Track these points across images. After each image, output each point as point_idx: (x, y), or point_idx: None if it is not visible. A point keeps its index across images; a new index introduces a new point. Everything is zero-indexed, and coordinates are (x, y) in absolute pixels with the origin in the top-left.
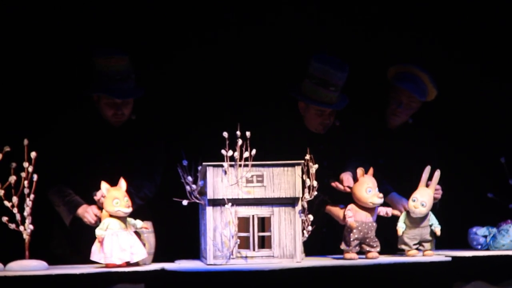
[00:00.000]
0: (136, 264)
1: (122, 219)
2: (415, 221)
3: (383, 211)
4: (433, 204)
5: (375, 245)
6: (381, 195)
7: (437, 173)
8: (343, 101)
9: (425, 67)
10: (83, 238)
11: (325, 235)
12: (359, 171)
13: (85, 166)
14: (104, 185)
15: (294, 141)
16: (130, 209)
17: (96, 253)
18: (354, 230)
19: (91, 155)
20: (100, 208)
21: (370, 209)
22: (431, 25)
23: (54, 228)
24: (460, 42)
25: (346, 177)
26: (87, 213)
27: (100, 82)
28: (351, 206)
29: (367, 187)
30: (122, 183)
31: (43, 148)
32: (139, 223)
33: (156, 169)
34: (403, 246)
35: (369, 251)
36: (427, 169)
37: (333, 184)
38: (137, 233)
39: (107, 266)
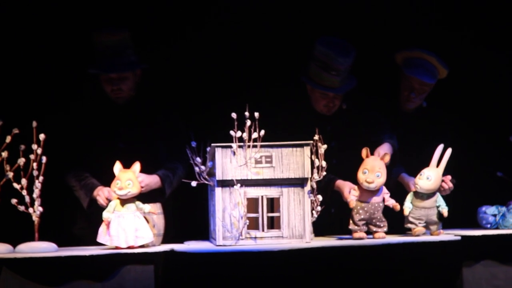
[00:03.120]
0: (145, 245)
1: (129, 201)
2: (422, 201)
3: (390, 202)
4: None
5: (382, 225)
6: (371, 180)
7: (448, 152)
8: (347, 85)
9: (434, 48)
10: (100, 219)
11: (333, 215)
12: (364, 151)
13: (98, 146)
14: (117, 165)
15: (302, 122)
16: (122, 192)
17: (102, 235)
18: (360, 211)
19: (102, 135)
20: None
21: (375, 190)
22: (439, 3)
23: (76, 211)
24: (471, 20)
25: (380, 151)
26: (99, 195)
27: (96, 58)
28: (358, 186)
29: (364, 169)
30: (136, 166)
31: (55, 132)
32: (146, 207)
33: (180, 148)
34: (409, 225)
35: (376, 231)
36: (439, 148)
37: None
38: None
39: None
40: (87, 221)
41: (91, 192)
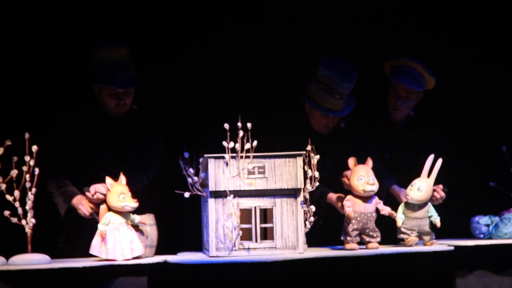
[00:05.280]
0: (138, 257)
1: (123, 213)
2: (414, 212)
3: (385, 210)
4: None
5: (375, 235)
6: (372, 182)
7: (439, 162)
8: (349, 106)
9: (423, 57)
10: (81, 229)
11: (326, 226)
12: (351, 161)
13: (87, 159)
14: (108, 180)
15: (297, 136)
16: (137, 204)
17: (97, 247)
18: (353, 221)
19: (93, 148)
20: (96, 204)
21: (367, 199)
22: (427, 15)
23: (61, 224)
24: (459, 30)
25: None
26: (82, 205)
27: (101, 73)
28: (349, 197)
29: (358, 176)
30: (122, 178)
31: (44, 142)
32: (136, 218)
33: (150, 162)
34: (402, 236)
35: (369, 242)
36: (430, 158)
37: (342, 179)
38: (136, 227)
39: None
40: (66, 235)
41: (70, 200)
